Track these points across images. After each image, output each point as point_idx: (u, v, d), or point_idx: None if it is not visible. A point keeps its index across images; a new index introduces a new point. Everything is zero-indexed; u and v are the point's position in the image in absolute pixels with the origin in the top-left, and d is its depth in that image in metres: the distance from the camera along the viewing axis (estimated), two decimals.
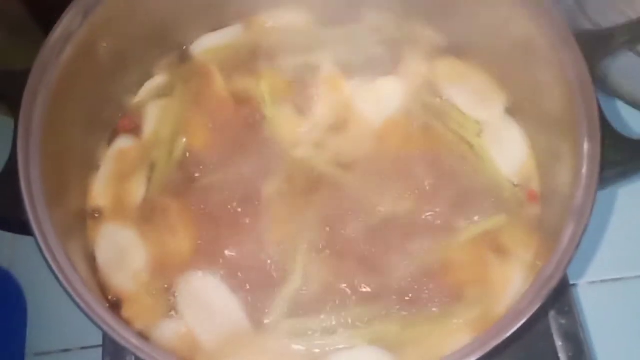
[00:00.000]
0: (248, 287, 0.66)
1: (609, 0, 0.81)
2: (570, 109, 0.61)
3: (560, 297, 0.73)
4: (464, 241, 0.68)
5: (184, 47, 0.80)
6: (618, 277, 0.84)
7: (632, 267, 0.85)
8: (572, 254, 0.54)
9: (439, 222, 0.69)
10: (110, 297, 0.67)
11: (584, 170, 0.58)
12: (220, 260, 0.68)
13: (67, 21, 0.65)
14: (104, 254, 0.69)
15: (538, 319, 0.53)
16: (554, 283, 0.53)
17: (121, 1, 0.69)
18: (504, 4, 0.69)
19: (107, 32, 0.69)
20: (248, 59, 0.79)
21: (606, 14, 0.82)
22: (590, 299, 0.81)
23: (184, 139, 0.74)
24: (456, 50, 0.78)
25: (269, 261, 0.67)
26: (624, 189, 0.87)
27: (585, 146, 0.59)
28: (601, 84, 0.89)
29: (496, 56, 0.74)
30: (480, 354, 0.52)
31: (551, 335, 0.73)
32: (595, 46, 0.64)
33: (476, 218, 0.69)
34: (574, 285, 0.82)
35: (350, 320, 0.65)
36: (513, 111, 0.75)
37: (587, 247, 0.84)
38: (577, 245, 0.54)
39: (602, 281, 0.84)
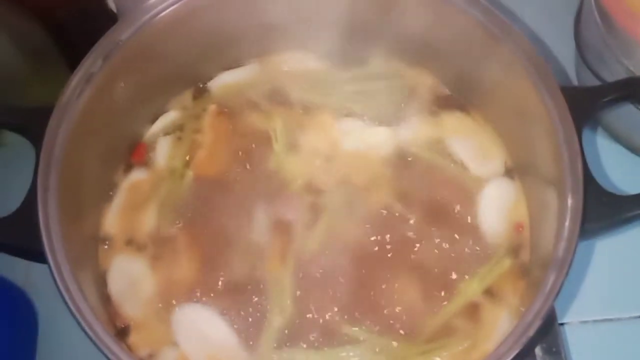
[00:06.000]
0: (242, 316, 0.70)
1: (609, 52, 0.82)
2: (558, 165, 0.65)
3: (546, 339, 0.76)
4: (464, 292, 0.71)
5: (200, 84, 0.84)
6: (608, 317, 0.85)
7: (623, 308, 0.86)
8: (551, 303, 0.57)
9: (436, 270, 0.72)
10: (117, 324, 0.70)
11: (567, 223, 0.61)
12: (219, 291, 0.72)
13: (88, 64, 0.69)
14: (115, 284, 0.73)
15: None
16: (532, 331, 0.56)
17: (140, 44, 0.73)
18: (500, 56, 0.72)
19: (125, 73, 0.73)
20: (261, 97, 0.83)
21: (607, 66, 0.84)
22: (579, 339, 0.83)
23: (192, 173, 0.78)
24: (461, 103, 0.81)
25: (262, 290, 0.71)
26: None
27: (569, 201, 0.62)
28: (605, 129, 0.91)
29: (497, 111, 0.78)
30: None
31: None
32: (585, 102, 0.67)
33: (471, 270, 0.72)
34: (564, 324, 0.84)
35: (339, 354, 0.68)
36: (512, 167, 0.78)
37: (576, 288, 0.86)
38: (557, 295, 0.58)
39: (592, 321, 0.85)
